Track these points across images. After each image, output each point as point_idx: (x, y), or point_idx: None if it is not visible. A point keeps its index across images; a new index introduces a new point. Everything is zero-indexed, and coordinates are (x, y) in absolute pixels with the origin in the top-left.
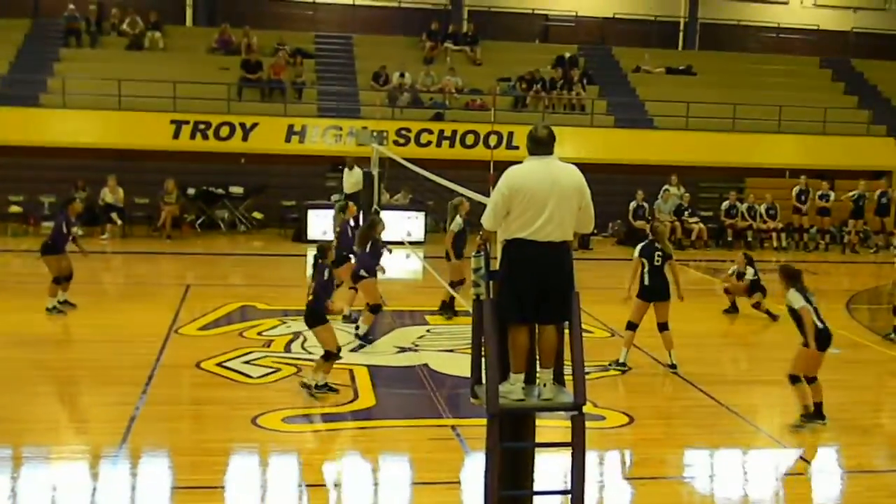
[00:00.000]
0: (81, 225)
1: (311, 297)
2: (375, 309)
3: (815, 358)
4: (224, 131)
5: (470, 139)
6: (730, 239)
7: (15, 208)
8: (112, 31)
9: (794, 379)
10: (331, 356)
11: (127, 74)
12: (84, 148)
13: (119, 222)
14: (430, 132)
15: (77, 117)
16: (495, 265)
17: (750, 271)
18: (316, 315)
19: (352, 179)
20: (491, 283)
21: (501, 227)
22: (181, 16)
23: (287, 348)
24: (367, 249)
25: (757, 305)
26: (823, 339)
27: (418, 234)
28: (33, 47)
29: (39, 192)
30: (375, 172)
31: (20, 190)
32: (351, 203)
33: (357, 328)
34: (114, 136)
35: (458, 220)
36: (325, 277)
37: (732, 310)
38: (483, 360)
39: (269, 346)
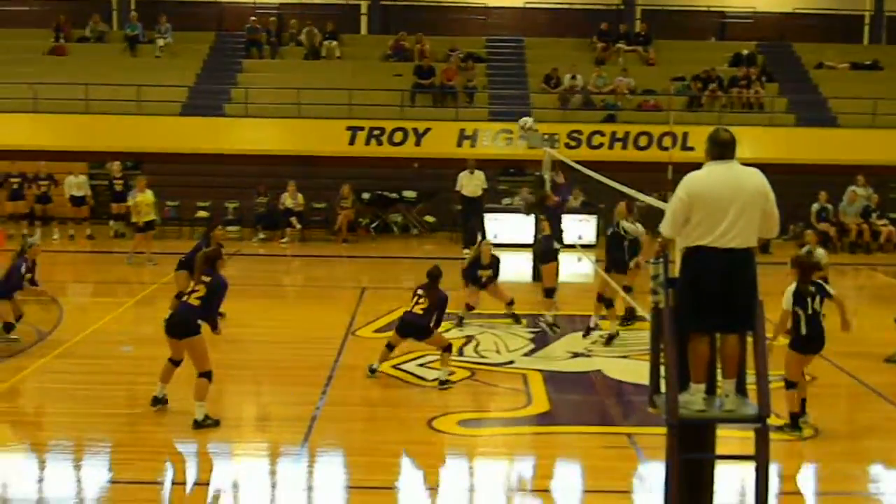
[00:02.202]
0: (263, 229)
1: None
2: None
3: None
4: (398, 137)
5: (643, 140)
6: None
7: (202, 213)
8: (291, 41)
9: None
10: None
11: (305, 83)
12: (265, 155)
13: (298, 226)
14: (602, 134)
15: (259, 125)
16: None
17: None
18: None
19: (474, 182)
20: (670, 291)
21: (681, 235)
22: (356, 25)
23: (460, 352)
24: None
25: None
26: None
27: (590, 237)
28: (218, 59)
29: (224, 198)
30: (547, 176)
31: (206, 195)
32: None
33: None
34: (293, 143)
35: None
36: None
37: None
38: (662, 368)
39: None
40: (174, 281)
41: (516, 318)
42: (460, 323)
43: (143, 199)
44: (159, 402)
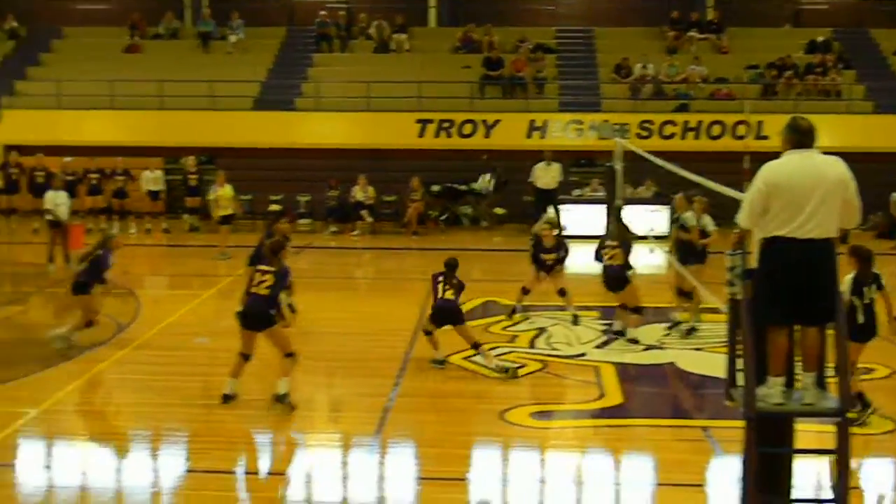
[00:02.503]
0: (334, 222)
1: None
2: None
3: None
4: (467, 129)
5: (716, 130)
6: None
7: (274, 206)
8: (360, 35)
9: None
10: None
11: (375, 76)
12: (336, 148)
13: (369, 219)
14: (674, 124)
15: (329, 119)
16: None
17: None
18: None
19: (550, 174)
20: (748, 282)
21: (759, 225)
22: (425, 17)
23: (532, 344)
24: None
25: None
26: None
27: (662, 228)
28: (289, 54)
29: (296, 191)
30: (619, 167)
31: (278, 189)
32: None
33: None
34: (363, 136)
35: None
36: None
37: None
38: (739, 361)
39: (513, 342)
40: (245, 276)
41: (575, 319)
42: (513, 312)
43: (223, 194)
44: (230, 398)
